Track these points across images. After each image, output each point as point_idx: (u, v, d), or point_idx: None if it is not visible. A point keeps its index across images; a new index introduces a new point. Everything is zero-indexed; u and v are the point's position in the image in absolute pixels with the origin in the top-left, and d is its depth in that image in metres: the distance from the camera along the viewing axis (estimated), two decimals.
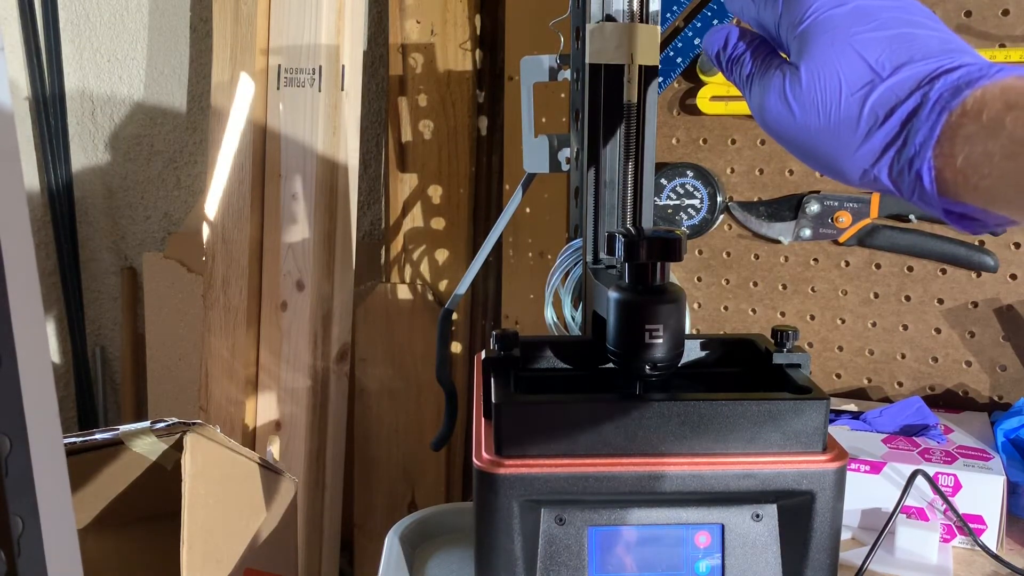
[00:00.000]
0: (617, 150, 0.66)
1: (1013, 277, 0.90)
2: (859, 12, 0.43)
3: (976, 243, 0.91)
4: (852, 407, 0.90)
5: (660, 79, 1.00)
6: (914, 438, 0.80)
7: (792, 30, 0.45)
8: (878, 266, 0.96)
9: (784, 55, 0.47)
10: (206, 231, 1.38)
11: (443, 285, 1.42)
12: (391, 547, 0.68)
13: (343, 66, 1.29)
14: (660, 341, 0.52)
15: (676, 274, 1.04)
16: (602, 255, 0.68)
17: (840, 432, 0.82)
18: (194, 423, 0.81)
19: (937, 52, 0.41)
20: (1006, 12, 0.87)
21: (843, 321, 0.98)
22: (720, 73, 0.97)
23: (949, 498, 0.72)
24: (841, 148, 0.43)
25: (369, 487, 1.48)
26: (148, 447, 0.86)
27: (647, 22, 0.64)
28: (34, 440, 0.30)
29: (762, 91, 0.46)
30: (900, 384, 0.97)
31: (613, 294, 0.53)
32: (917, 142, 0.40)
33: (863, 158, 0.42)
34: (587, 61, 0.64)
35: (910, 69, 0.41)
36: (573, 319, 0.74)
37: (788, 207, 0.98)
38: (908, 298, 0.95)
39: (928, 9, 0.44)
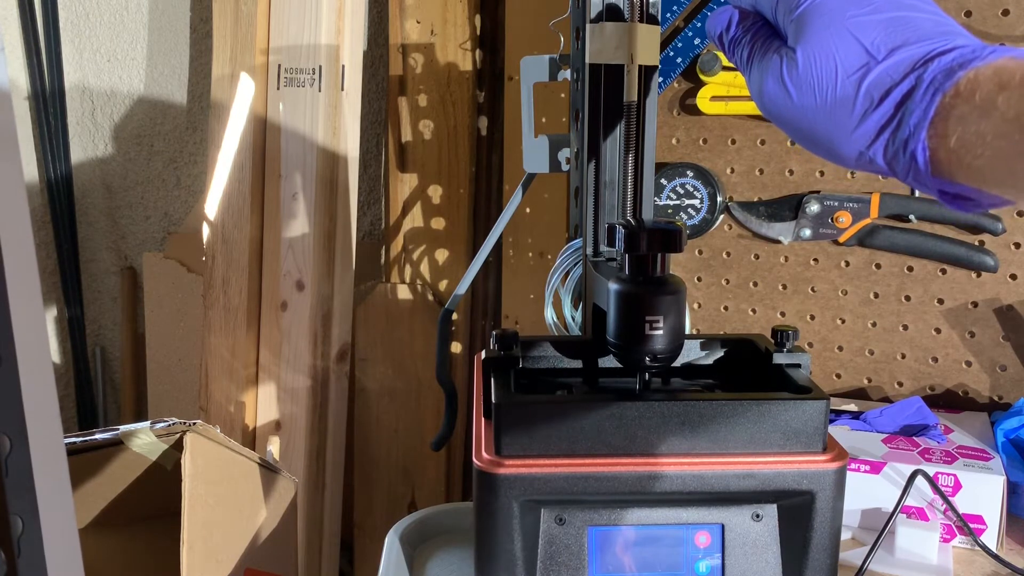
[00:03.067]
0: (617, 150, 0.67)
1: (1013, 277, 0.90)
2: None
3: (976, 243, 0.91)
4: (852, 407, 0.90)
5: (660, 79, 1.00)
6: (914, 438, 0.80)
7: (789, 14, 0.46)
8: (878, 266, 0.96)
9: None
10: (206, 231, 1.38)
11: (443, 285, 1.42)
12: (391, 547, 0.68)
13: (343, 66, 1.29)
14: (660, 332, 0.52)
15: (676, 274, 1.04)
16: (602, 247, 0.68)
17: (840, 432, 0.82)
18: (194, 423, 0.81)
19: (931, 34, 0.42)
20: (1006, 12, 0.87)
21: (843, 321, 0.98)
22: (720, 73, 0.97)
23: (949, 498, 0.72)
24: (837, 130, 0.44)
25: (369, 487, 1.48)
26: (148, 447, 0.86)
27: (647, 22, 0.64)
28: (34, 440, 0.30)
29: (761, 74, 0.47)
30: (900, 384, 0.97)
31: (613, 285, 0.53)
32: (911, 123, 0.40)
33: (859, 140, 0.43)
34: (587, 61, 0.64)
35: (905, 51, 0.41)
36: (573, 319, 0.74)
37: (788, 207, 0.98)
38: (908, 298, 0.95)
39: None
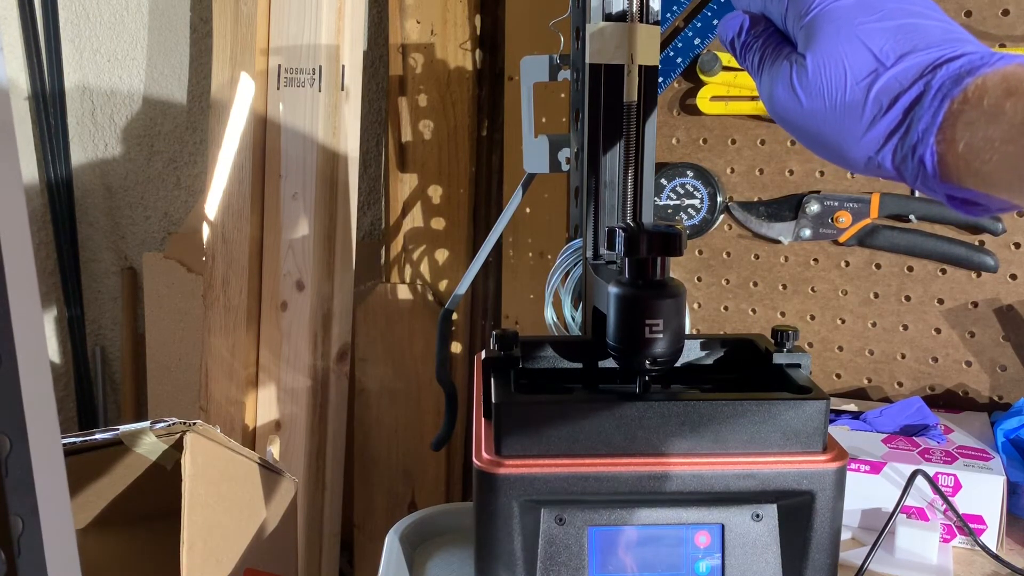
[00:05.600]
0: (617, 150, 0.66)
1: (1013, 277, 0.90)
2: (864, 3, 0.44)
3: (976, 243, 0.91)
4: (852, 407, 0.90)
5: (660, 79, 1.00)
6: (914, 438, 0.80)
7: (798, 21, 0.46)
8: (878, 266, 0.96)
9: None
10: (206, 231, 1.38)
11: (443, 285, 1.42)
12: (391, 547, 0.68)
13: (343, 66, 1.29)
14: (660, 336, 0.52)
15: (676, 274, 1.04)
16: (602, 250, 0.68)
17: (840, 432, 0.82)
18: (194, 423, 0.81)
19: (940, 41, 0.42)
20: (1006, 12, 0.87)
21: (843, 321, 0.98)
22: (720, 73, 0.97)
23: (949, 498, 0.72)
24: (846, 135, 0.44)
25: (369, 487, 1.48)
26: (148, 447, 0.86)
27: (647, 22, 0.64)
28: (34, 440, 0.30)
29: (771, 80, 0.47)
30: (900, 384, 0.97)
31: (613, 289, 0.53)
32: (920, 129, 0.41)
33: (868, 145, 0.43)
34: (587, 61, 0.64)
35: (913, 58, 0.42)
36: (573, 319, 0.74)
37: (788, 207, 0.98)
38: (908, 298, 0.95)
39: (930, 0, 0.45)
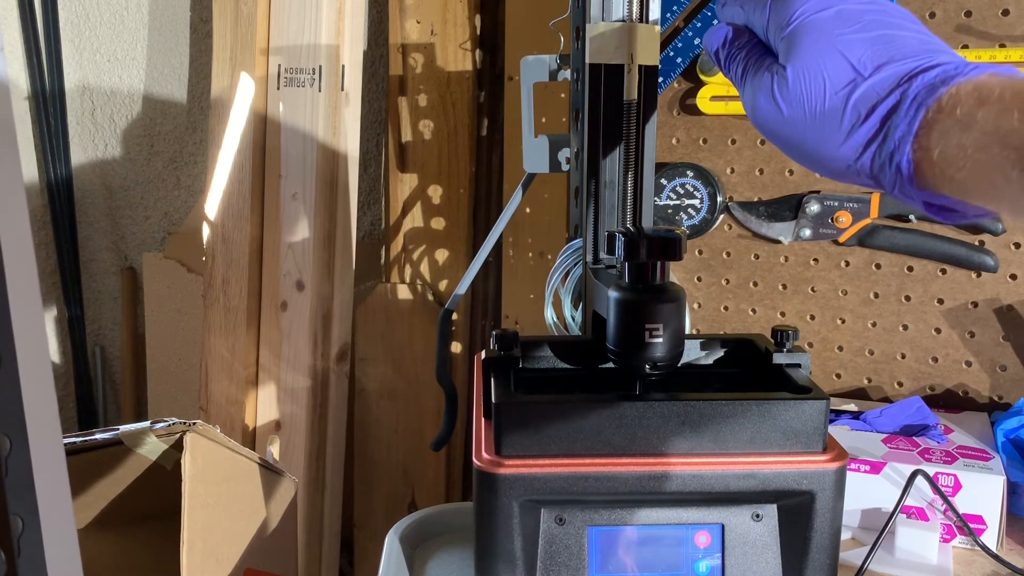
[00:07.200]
0: (617, 150, 0.66)
1: (1013, 277, 0.90)
2: (843, 15, 0.45)
3: (976, 243, 0.91)
4: (852, 407, 0.90)
5: (660, 79, 1.00)
6: (914, 438, 0.80)
7: (779, 33, 0.47)
8: (878, 266, 0.96)
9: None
10: (206, 231, 1.38)
11: (443, 285, 1.42)
12: (391, 547, 0.68)
13: (343, 66, 1.29)
14: (660, 340, 0.52)
15: (676, 274, 1.04)
16: (602, 255, 0.68)
17: (840, 432, 0.82)
18: (194, 423, 0.81)
19: (916, 52, 0.43)
20: (1006, 12, 0.87)
21: (843, 321, 0.98)
22: (720, 73, 0.97)
23: (949, 498, 0.72)
24: (826, 144, 0.45)
25: (369, 487, 1.48)
26: (148, 447, 0.86)
27: (647, 22, 0.64)
28: (34, 440, 0.30)
29: (753, 90, 0.48)
30: (900, 384, 0.97)
31: (613, 293, 0.53)
32: (896, 137, 0.42)
33: (847, 153, 0.44)
34: (587, 61, 0.64)
35: (890, 68, 0.43)
36: (573, 319, 0.74)
37: (788, 207, 0.98)
38: (908, 298, 0.95)
39: (908, 12, 0.46)
